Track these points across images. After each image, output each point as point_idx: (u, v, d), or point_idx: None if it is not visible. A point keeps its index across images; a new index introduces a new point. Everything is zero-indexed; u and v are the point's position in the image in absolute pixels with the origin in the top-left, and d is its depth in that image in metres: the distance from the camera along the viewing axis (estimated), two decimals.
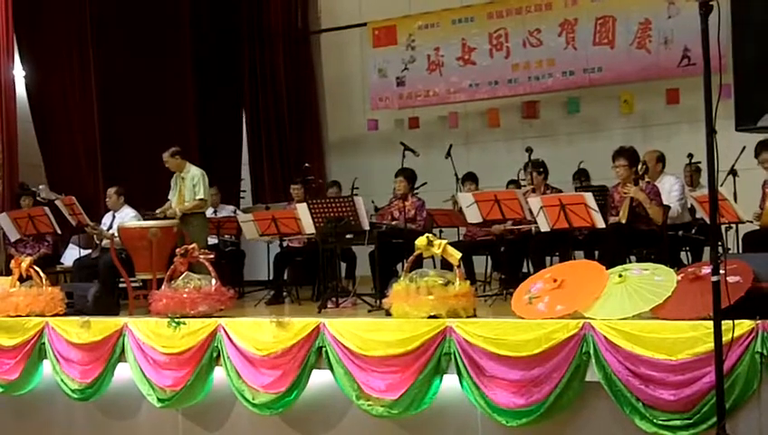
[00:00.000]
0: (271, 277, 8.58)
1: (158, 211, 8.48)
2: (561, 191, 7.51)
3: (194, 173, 8.46)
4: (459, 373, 5.27)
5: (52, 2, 10.26)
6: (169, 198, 8.59)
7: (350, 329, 5.67)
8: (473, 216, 7.39)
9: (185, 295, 6.41)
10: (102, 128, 10.47)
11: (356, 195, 8.03)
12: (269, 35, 12.41)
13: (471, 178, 8.85)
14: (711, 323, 4.29)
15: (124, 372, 6.54)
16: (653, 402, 4.71)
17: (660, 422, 4.69)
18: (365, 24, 11.87)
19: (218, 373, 6.20)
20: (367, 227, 7.14)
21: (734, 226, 7.31)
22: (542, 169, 7.61)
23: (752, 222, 7.19)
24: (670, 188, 7.36)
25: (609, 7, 10.32)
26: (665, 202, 6.94)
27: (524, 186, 7.84)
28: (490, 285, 8.09)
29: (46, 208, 8.66)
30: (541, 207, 6.68)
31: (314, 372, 5.79)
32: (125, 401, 6.67)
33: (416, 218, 7.78)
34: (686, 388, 4.61)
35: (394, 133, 11.43)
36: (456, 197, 8.47)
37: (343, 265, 8.45)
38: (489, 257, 8.36)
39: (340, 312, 6.81)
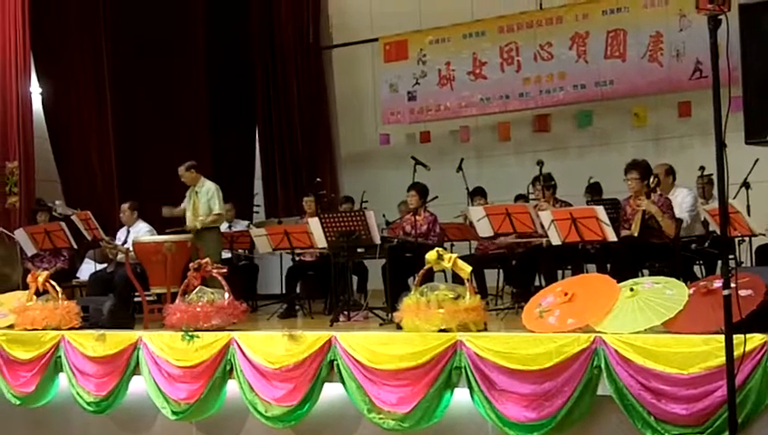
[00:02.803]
0: (283, 291, 8.61)
1: (164, 209, 8.54)
2: (570, 205, 7.52)
3: (208, 187, 8.54)
4: (470, 387, 5.28)
5: (68, 20, 10.41)
6: (183, 205, 8.66)
7: (361, 342, 5.69)
8: (484, 229, 7.42)
9: (198, 309, 6.46)
10: (117, 144, 10.59)
11: (366, 208, 8.07)
12: (281, 51, 12.52)
13: (480, 193, 8.86)
14: (723, 336, 4.29)
15: (139, 385, 6.59)
16: (665, 416, 4.70)
17: None
18: (376, 40, 11.95)
19: (231, 386, 6.23)
20: (378, 241, 7.17)
21: (746, 239, 7.30)
22: (551, 183, 7.63)
23: (765, 235, 7.18)
24: (682, 200, 7.36)
25: (620, 20, 10.34)
26: (677, 215, 6.94)
27: (533, 200, 7.86)
28: (502, 298, 8.09)
29: (62, 224, 8.74)
30: (552, 221, 6.69)
31: (326, 385, 5.81)
32: (140, 413, 6.71)
33: (428, 234, 7.80)
34: (699, 402, 4.60)
35: (405, 147, 11.48)
36: (467, 211, 8.49)
37: (355, 279, 8.48)
38: (501, 271, 8.37)
39: (352, 325, 6.83)
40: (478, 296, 5.72)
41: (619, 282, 5.43)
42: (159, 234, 8.34)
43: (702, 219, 7.64)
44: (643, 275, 6.50)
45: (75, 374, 6.80)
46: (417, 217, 7.80)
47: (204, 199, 8.47)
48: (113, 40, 10.66)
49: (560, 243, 6.72)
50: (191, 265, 6.87)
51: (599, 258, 7.02)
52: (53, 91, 10.39)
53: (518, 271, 7.65)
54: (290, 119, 12.39)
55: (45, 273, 7.44)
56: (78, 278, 9.13)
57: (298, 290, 8.57)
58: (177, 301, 6.69)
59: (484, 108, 11.23)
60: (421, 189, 7.93)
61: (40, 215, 9.12)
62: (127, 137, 10.73)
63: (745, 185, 7.66)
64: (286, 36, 12.53)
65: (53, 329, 7.02)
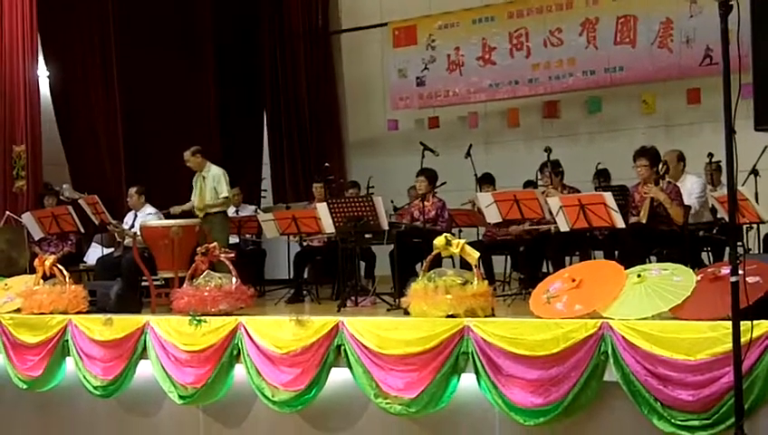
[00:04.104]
0: (291, 276, 8.62)
1: (172, 210, 8.54)
2: (578, 191, 7.50)
3: (215, 172, 8.54)
4: (477, 372, 5.29)
5: (76, 3, 10.38)
6: (192, 198, 8.67)
7: (368, 328, 5.70)
8: (492, 215, 7.40)
9: (206, 294, 6.48)
10: (125, 128, 10.58)
11: (373, 194, 8.06)
12: (290, 36, 12.48)
13: (488, 181, 8.85)
14: (730, 323, 4.28)
15: (146, 370, 6.61)
16: (671, 402, 4.70)
17: (678, 422, 4.67)
18: (385, 24, 11.91)
19: (239, 371, 6.25)
20: (386, 227, 7.17)
21: (755, 226, 7.27)
22: (559, 169, 7.61)
23: None
24: (691, 186, 7.33)
25: (630, 6, 10.28)
26: (686, 201, 6.91)
27: (541, 186, 7.84)
28: (509, 284, 8.09)
29: (70, 207, 8.77)
30: (560, 207, 6.67)
31: (333, 370, 5.83)
32: (147, 397, 6.74)
33: (437, 220, 7.79)
34: (705, 388, 4.60)
35: (414, 133, 11.45)
36: (475, 197, 8.47)
37: (363, 265, 8.48)
38: (509, 257, 8.36)
39: (360, 311, 6.84)
40: (486, 282, 5.71)
41: (626, 268, 5.42)
42: (167, 218, 8.35)
43: (710, 206, 7.61)
44: (651, 262, 6.49)
45: (82, 358, 6.83)
46: (426, 203, 7.80)
47: (210, 184, 8.47)
48: (121, 23, 10.63)
49: (568, 229, 6.70)
50: (199, 249, 6.89)
51: (607, 245, 7.00)
52: (61, 75, 10.39)
53: (526, 257, 7.64)
54: (298, 104, 12.36)
55: (52, 257, 7.46)
56: (85, 262, 9.16)
57: (305, 275, 8.58)
58: (184, 285, 6.72)
59: (493, 94, 11.18)
60: (430, 175, 7.92)
61: (47, 199, 9.15)
62: (134, 121, 10.73)
63: (754, 172, 7.62)
64: (295, 21, 12.48)
65: (60, 313, 7.05)
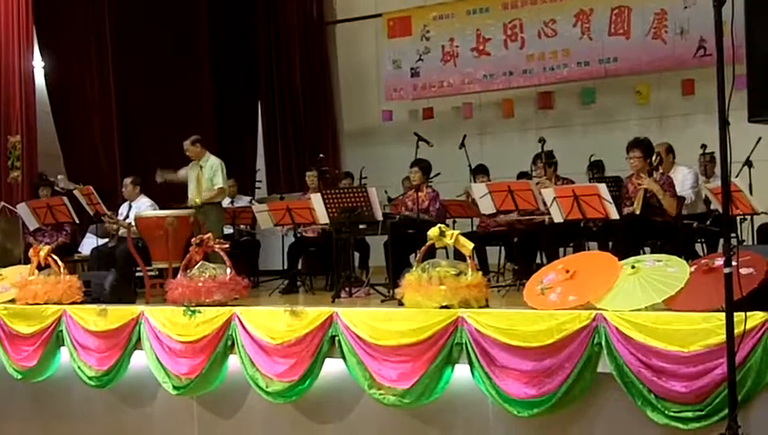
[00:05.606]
0: (285, 267, 8.63)
1: (158, 175, 8.56)
2: (572, 182, 7.52)
3: (212, 162, 8.52)
4: (471, 363, 5.30)
5: None
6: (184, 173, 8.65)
7: (362, 318, 5.71)
8: (486, 206, 7.41)
9: (200, 284, 6.48)
10: (120, 119, 10.56)
11: (366, 184, 8.06)
12: (285, 26, 12.46)
13: (482, 171, 8.85)
14: (723, 314, 4.29)
15: (140, 360, 6.61)
16: (665, 394, 4.71)
17: (672, 414, 4.69)
18: (380, 15, 11.89)
19: (233, 362, 6.26)
20: (380, 218, 7.17)
21: (748, 217, 7.29)
22: (552, 160, 7.62)
23: (766, 213, 7.17)
24: (683, 178, 7.37)
25: None
26: (678, 193, 6.93)
27: (535, 177, 7.85)
28: (503, 275, 8.10)
29: (65, 198, 8.75)
30: (554, 198, 6.68)
31: (327, 360, 5.83)
32: (141, 388, 6.74)
33: (428, 209, 7.80)
34: (698, 380, 4.61)
35: (408, 124, 11.45)
36: (470, 188, 8.48)
37: (357, 255, 8.48)
38: (503, 248, 8.37)
39: (354, 301, 6.85)
40: (480, 273, 5.72)
41: (620, 260, 5.43)
42: (162, 209, 8.34)
43: (703, 197, 7.63)
44: (645, 253, 6.50)
45: (77, 349, 6.83)
46: (420, 194, 7.79)
47: (208, 174, 8.46)
48: (116, 14, 10.59)
49: (562, 220, 6.72)
50: (193, 240, 6.88)
51: (600, 236, 7.02)
52: (56, 65, 10.35)
53: (520, 248, 7.66)
54: (293, 94, 12.35)
55: (47, 247, 7.44)
56: (80, 253, 9.15)
57: (300, 266, 8.58)
58: (178, 276, 6.71)
59: (487, 85, 11.18)
60: (424, 166, 7.91)
61: (42, 189, 9.14)
62: (129, 111, 10.71)
63: (748, 163, 7.63)
64: (290, 12, 12.46)
65: (55, 303, 7.05)
